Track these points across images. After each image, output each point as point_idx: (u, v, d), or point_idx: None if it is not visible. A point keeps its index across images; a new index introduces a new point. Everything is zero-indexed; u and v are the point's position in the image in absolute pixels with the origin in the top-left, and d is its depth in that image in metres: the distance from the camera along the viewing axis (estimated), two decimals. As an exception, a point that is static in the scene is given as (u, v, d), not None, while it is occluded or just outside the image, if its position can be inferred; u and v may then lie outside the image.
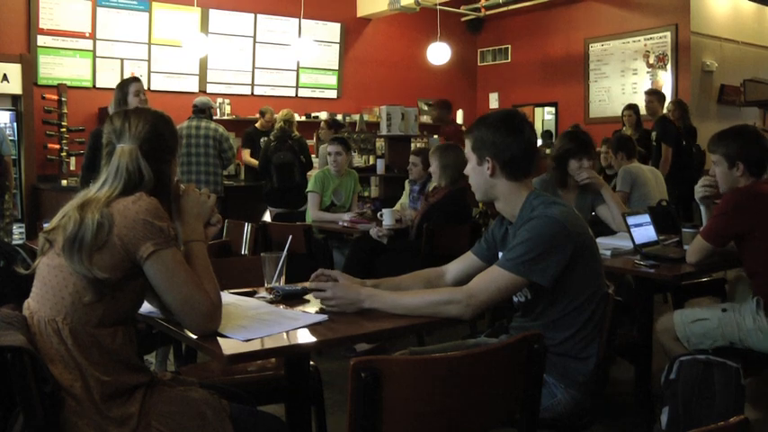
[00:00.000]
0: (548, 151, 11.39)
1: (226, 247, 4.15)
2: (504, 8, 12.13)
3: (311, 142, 9.40)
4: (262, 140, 8.99)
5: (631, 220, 3.72)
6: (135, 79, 5.66)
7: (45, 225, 2.14)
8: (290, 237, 2.76)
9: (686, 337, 3.32)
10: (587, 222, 3.65)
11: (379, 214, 5.68)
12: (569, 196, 4.34)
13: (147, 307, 2.25)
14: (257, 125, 9.42)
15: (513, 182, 2.50)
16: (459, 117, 13.00)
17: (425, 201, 5.52)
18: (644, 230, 3.78)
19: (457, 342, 2.95)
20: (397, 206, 6.35)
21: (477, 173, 2.54)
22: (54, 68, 9.23)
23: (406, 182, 6.45)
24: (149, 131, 2.14)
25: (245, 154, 9.09)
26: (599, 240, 3.26)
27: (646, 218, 3.86)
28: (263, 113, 9.40)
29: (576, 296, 2.41)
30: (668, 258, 3.57)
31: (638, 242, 3.66)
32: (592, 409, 2.47)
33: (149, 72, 9.92)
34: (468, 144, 2.56)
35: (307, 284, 2.50)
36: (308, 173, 7.56)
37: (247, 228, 4.89)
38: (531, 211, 2.43)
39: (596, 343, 2.43)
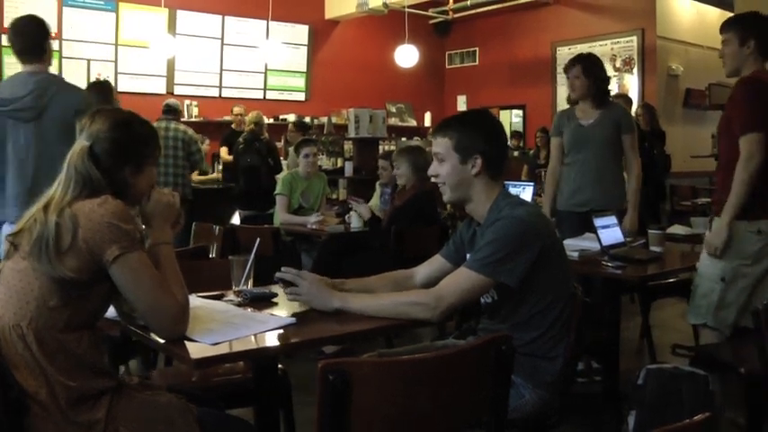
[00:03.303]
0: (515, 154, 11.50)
1: (201, 250, 4.10)
2: (472, 11, 12.20)
3: (279, 144, 9.37)
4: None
5: (598, 222, 3.75)
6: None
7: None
8: (258, 240, 2.75)
9: (720, 320, 3.42)
10: None
11: (347, 217, 5.68)
12: (591, 112, 4.64)
13: (113, 312, 2.23)
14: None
15: (491, 181, 2.50)
16: (428, 119, 13.06)
17: (391, 203, 5.52)
18: (611, 232, 3.81)
19: (425, 344, 2.95)
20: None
21: (457, 172, 2.50)
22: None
23: (378, 184, 6.45)
24: (104, 132, 2.09)
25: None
26: (566, 242, 3.29)
27: (613, 219, 3.89)
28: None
29: (544, 296, 2.42)
30: (635, 260, 3.61)
31: (605, 243, 3.69)
32: (560, 409, 2.48)
33: (116, 73, 9.86)
34: (445, 143, 2.50)
35: (282, 274, 2.46)
36: (277, 176, 7.53)
37: (215, 231, 4.86)
38: (498, 212, 2.44)
39: (564, 343, 2.44)
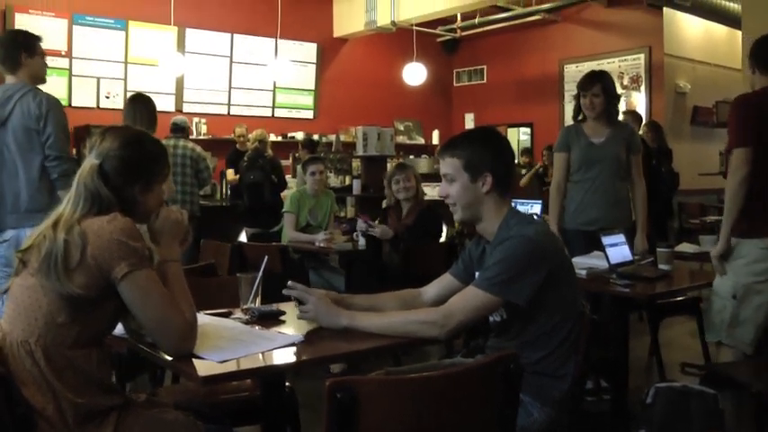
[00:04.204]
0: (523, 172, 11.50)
1: (209, 268, 4.11)
2: (480, 29, 12.24)
3: (287, 162, 9.38)
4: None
5: (606, 240, 3.74)
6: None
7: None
8: (266, 257, 2.75)
9: (736, 337, 3.40)
10: None
11: (355, 234, 5.68)
12: (601, 130, 4.63)
13: (121, 329, 2.23)
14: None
15: (500, 198, 2.50)
16: (435, 137, 13.07)
17: (399, 223, 5.54)
18: (619, 250, 3.80)
19: (433, 362, 2.94)
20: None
21: (468, 191, 2.49)
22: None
23: (384, 202, 6.47)
24: (114, 150, 2.10)
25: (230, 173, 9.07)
26: (574, 260, 3.28)
27: (621, 237, 3.88)
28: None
29: (552, 315, 2.41)
30: (643, 278, 3.60)
31: (613, 262, 3.67)
32: (568, 427, 2.47)
33: (125, 91, 9.88)
34: (455, 163, 2.49)
35: (289, 291, 2.46)
36: (283, 193, 7.56)
37: (223, 248, 4.86)
38: (507, 230, 2.43)
39: (572, 361, 2.43)
